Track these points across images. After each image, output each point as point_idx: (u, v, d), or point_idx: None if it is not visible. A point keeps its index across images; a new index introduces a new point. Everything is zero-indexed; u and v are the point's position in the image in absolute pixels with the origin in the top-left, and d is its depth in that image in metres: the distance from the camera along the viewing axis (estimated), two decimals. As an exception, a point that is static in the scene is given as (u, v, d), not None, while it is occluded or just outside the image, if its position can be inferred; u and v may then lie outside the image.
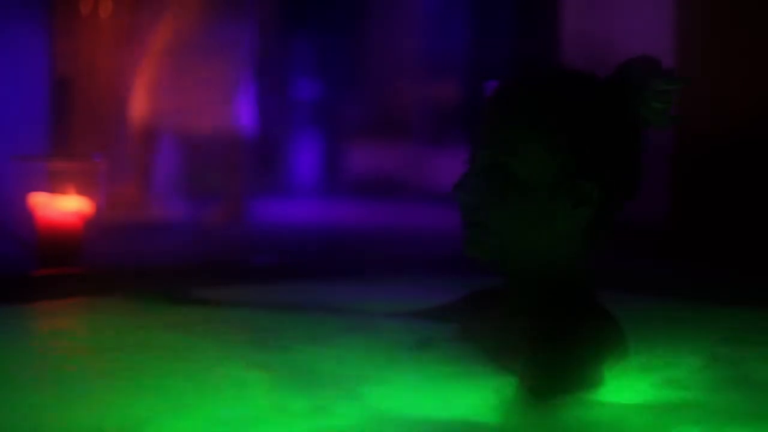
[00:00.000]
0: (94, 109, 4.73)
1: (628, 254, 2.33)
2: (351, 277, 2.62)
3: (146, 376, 1.56)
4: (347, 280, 2.60)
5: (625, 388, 1.50)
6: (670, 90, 1.59)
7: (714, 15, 3.44)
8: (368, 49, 6.12)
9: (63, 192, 2.64)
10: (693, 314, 2.19)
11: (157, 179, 4.39)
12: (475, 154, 1.57)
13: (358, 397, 1.44)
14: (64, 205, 2.62)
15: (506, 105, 1.57)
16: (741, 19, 3.41)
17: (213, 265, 2.79)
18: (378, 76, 6.09)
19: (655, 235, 3.10)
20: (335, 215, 4.84)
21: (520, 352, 1.50)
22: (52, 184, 2.65)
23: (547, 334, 1.50)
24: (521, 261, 1.58)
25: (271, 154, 5.89)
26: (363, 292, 2.42)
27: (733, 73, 3.36)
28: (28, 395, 1.48)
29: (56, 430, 1.35)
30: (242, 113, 4.33)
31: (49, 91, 3.82)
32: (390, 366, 1.57)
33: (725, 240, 3.26)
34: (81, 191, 2.63)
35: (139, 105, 4.28)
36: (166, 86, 4.24)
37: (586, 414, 1.43)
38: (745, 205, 3.32)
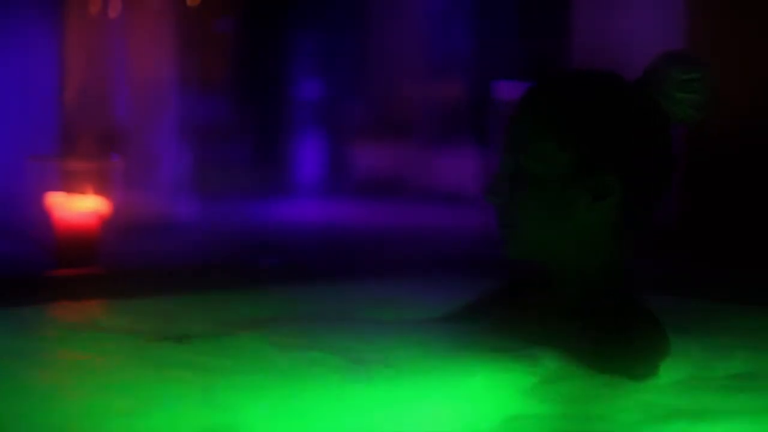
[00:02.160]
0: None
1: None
2: (360, 278, 2.62)
3: (161, 380, 1.54)
4: (357, 280, 2.60)
5: (634, 387, 1.53)
6: (694, 79, 1.61)
7: (725, 13, 3.44)
8: (372, 48, 6.12)
9: (80, 192, 2.65)
10: (692, 314, 2.21)
11: (165, 179, 4.40)
12: (502, 158, 1.63)
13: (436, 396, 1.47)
14: (81, 205, 2.63)
15: (522, 108, 1.62)
16: (753, 17, 3.41)
17: (226, 265, 2.80)
18: (382, 76, 6.09)
19: (661, 234, 3.11)
20: (340, 215, 4.85)
21: (573, 348, 1.54)
22: (69, 184, 2.65)
23: (616, 333, 1.54)
24: (555, 258, 1.62)
25: (274, 153, 5.90)
26: (379, 292, 2.43)
27: (746, 71, 3.36)
28: (37, 397, 1.46)
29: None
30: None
31: (59, 92, 3.83)
32: (437, 362, 1.59)
33: (736, 240, 3.27)
34: (98, 191, 2.63)
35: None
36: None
37: (602, 411, 1.46)
38: (756, 205, 3.33)
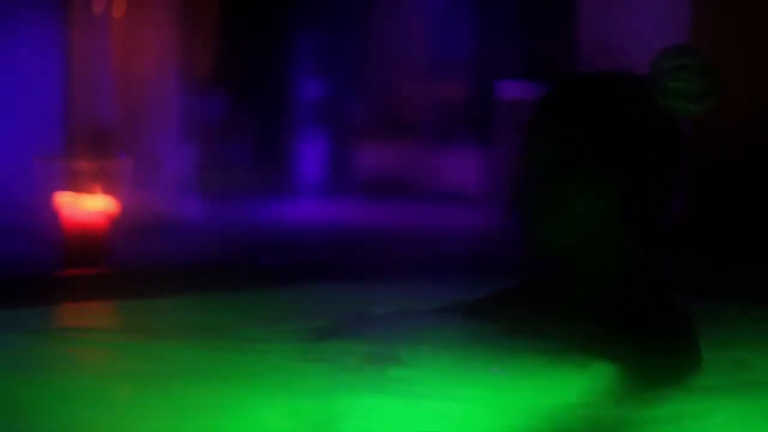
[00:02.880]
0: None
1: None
2: (362, 278, 2.63)
3: (175, 386, 1.54)
4: (358, 280, 2.61)
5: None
6: (685, 65, 1.62)
7: (727, 13, 3.44)
8: (374, 48, 6.13)
9: (89, 191, 2.65)
10: (692, 314, 2.21)
11: (167, 178, 4.41)
12: (518, 159, 1.68)
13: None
14: (89, 205, 2.63)
15: (533, 111, 1.67)
16: (755, 17, 3.42)
17: (229, 265, 2.80)
18: (384, 76, 6.10)
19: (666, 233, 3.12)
20: (341, 215, 4.86)
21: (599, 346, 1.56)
22: (78, 184, 2.65)
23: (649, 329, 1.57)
24: (558, 257, 1.66)
25: (275, 153, 5.91)
26: (380, 292, 2.44)
27: (748, 71, 3.36)
28: (46, 398, 1.47)
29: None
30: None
31: (64, 91, 3.83)
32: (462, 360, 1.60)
33: (736, 239, 3.28)
34: (107, 190, 2.63)
35: None
36: None
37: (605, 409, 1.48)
38: (757, 205, 3.34)
